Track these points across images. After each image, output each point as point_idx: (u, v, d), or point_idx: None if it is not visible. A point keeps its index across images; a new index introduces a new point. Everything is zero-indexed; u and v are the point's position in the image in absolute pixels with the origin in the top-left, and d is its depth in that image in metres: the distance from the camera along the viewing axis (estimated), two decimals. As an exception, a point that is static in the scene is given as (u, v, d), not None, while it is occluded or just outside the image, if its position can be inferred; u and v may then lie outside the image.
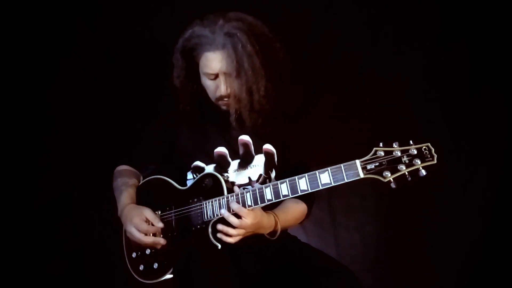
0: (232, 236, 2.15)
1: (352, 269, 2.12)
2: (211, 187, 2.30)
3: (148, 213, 2.32)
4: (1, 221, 3.17)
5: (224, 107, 2.43)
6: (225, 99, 2.38)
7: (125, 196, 2.45)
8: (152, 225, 2.30)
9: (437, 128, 3.30)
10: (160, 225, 2.30)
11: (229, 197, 2.23)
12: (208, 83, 2.39)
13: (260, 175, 2.44)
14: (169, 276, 2.28)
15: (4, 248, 3.17)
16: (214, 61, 2.32)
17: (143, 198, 2.49)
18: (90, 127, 3.26)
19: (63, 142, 3.25)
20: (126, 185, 2.51)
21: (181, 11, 2.66)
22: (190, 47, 2.36)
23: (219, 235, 2.18)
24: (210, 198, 2.28)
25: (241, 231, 2.15)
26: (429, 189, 3.34)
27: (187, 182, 2.48)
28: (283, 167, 2.44)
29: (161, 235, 2.33)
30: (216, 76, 2.35)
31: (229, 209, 2.18)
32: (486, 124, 3.35)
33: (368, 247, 3.48)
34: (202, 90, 2.46)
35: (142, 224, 2.29)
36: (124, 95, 3.24)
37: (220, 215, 2.19)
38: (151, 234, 2.30)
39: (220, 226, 2.17)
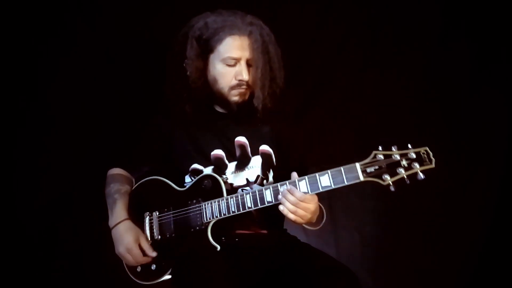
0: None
1: (352, 269, 2.11)
2: (210, 189, 2.31)
3: (143, 241, 2.35)
4: (1, 221, 3.17)
5: (236, 98, 2.44)
6: (243, 86, 2.41)
7: (120, 208, 2.42)
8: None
9: (437, 129, 3.31)
10: (153, 254, 2.34)
11: (229, 198, 2.23)
12: (224, 71, 2.41)
13: (258, 176, 2.43)
14: (167, 277, 2.28)
15: (4, 248, 3.16)
16: (238, 46, 2.38)
17: (141, 199, 2.48)
18: (90, 127, 3.25)
19: (63, 142, 3.24)
20: (119, 192, 2.47)
21: (181, 11, 2.65)
22: (209, 33, 2.39)
23: (281, 207, 2.11)
24: (209, 200, 2.28)
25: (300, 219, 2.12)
26: (429, 189, 3.33)
27: (185, 185, 2.46)
28: (281, 168, 2.44)
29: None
30: (237, 62, 2.39)
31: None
32: (486, 124, 3.35)
33: (368, 247, 3.47)
34: (208, 85, 2.47)
35: (139, 257, 2.33)
36: (124, 95, 3.23)
37: (277, 201, 2.14)
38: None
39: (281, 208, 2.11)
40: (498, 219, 3.34)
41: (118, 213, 2.40)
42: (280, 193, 2.11)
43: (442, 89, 3.37)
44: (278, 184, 2.14)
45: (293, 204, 2.07)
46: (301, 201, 2.07)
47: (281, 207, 2.10)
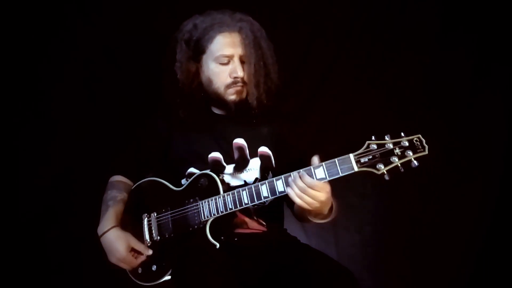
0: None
1: (352, 269, 2.09)
2: (207, 187, 2.30)
3: (136, 245, 2.34)
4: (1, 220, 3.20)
5: (233, 97, 2.42)
6: (239, 84, 2.39)
7: (109, 216, 2.37)
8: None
9: (437, 129, 3.27)
10: (149, 253, 2.35)
11: (225, 196, 2.22)
12: (218, 70, 2.39)
13: (256, 179, 2.43)
14: (167, 277, 2.27)
15: (3, 248, 3.19)
16: (230, 43, 2.37)
17: (139, 201, 2.48)
18: (90, 126, 3.29)
19: (64, 142, 3.28)
20: (113, 200, 2.44)
21: (182, 11, 2.66)
22: (199, 33, 2.39)
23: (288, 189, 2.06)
24: (206, 198, 2.27)
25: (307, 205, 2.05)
26: (429, 189, 3.36)
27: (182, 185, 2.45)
28: (280, 170, 2.37)
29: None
30: (230, 60, 2.38)
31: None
32: (486, 125, 3.36)
33: (368, 247, 3.48)
34: (202, 88, 2.47)
35: (133, 263, 2.33)
36: (124, 95, 3.28)
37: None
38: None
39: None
40: (498, 219, 3.33)
41: (106, 221, 2.35)
42: (290, 178, 2.06)
43: (442, 90, 3.38)
44: (274, 178, 2.13)
45: (300, 190, 2.01)
46: (310, 187, 2.01)
47: (288, 189, 2.05)
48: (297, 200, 2.04)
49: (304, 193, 2.02)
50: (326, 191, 2.06)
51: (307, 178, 2.02)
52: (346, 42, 3.46)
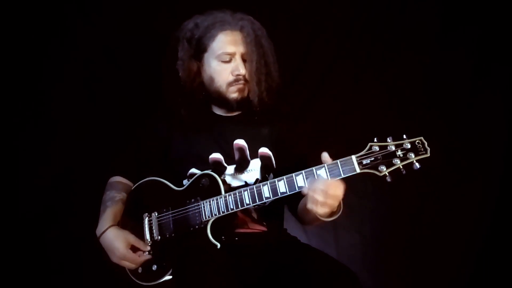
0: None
1: (352, 269, 2.08)
2: (208, 187, 2.30)
3: (135, 242, 2.34)
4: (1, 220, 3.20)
5: (235, 95, 2.43)
6: (241, 81, 2.40)
7: (107, 216, 2.38)
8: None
9: (437, 129, 3.26)
10: (148, 249, 2.35)
11: (227, 196, 2.22)
12: (220, 68, 2.40)
13: (257, 179, 2.42)
14: (168, 277, 2.27)
15: (3, 248, 3.19)
16: (232, 41, 2.38)
17: (140, 200, 2.48)
18: (90, 126, 3.29)
19: (64, 142, 3.28)
20: (112, 200, 2.45)
21: (183, 10, 2.65)
22: (201, 32, 2.40)
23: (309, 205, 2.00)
24: (207, 198, 2.27)
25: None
26: (429, 189, 3.35)
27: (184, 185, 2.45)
28: (281, 170, 2.37)
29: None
30: (231, 58, 2.39)
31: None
32: (486, 125, 3.35)
33: (368, 247, 3.47)
34: (203, 87, 2.47)
35: (136, 261, 2.33)
36: (124, 95, 3.27)
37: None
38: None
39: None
40: (498, 219, 3.33)
41: (104, 221, 2.36)
42: (310, 181, 2.01)
43: (442, 90, 3.37)
44: (276, 179, 2.13)
45: (322, 192, 1.96)
46: (328, 188, 1.96)
47: (309, 206, 2.00)
48: (321, 210, 1.99)
49: (327, 196, 1.97)
50: (342, 188, 2.02)
51: (324, 181, 1.99)
52: (346, 42, 3.45)
